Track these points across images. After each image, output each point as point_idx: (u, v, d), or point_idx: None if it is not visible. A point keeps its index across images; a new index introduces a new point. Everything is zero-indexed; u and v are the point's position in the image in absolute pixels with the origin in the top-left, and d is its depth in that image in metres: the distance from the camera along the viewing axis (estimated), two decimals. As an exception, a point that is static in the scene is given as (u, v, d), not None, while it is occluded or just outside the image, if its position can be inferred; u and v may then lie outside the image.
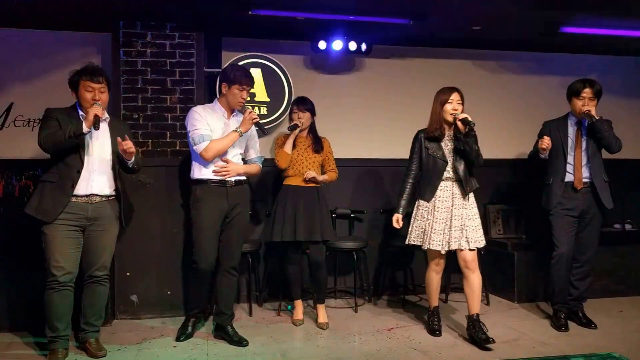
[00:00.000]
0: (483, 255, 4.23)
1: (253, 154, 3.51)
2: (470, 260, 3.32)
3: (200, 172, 3.27)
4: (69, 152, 2.98)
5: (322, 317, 3.67)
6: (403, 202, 3.45)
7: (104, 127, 3.12)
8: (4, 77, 3.95)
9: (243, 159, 3.47)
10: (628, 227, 4.67)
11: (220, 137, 3.24)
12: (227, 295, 3.38)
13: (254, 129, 3.39)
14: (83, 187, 3.01)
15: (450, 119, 3.32)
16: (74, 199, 2.99)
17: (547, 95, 4.77)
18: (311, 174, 3.59)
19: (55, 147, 2.94)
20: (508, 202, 4.70)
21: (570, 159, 3.62)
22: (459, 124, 3.27)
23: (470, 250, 3.32)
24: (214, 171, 3.24)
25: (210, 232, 3.26)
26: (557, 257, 3.61)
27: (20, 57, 3.96)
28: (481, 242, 3.36)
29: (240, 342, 3.29)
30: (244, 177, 3.38)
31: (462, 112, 3.32)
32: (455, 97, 3.33)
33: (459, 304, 4.18)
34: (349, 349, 3.24)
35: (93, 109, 2.94)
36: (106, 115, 3.16)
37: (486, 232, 4.59)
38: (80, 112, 3.07)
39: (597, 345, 3.26)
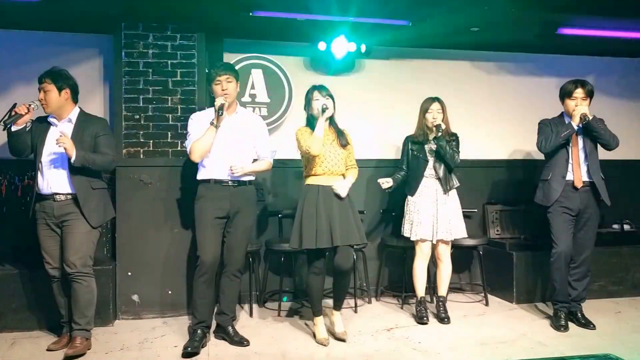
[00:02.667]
0: (482, 254, 4.29)
1: (263, 151, 3.44)
2: (442, 252, 3.80)
3: (202, 173, 3.30)
4: (33, 153, 3.18)
5: (340, 326, 3.42)
6: (393, 177, 3.82)
7: (67, 125, 3.20)
8: (6, 78, 3.96)
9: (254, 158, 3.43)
10: (626, 227, 4.69)
11: (201, 136, 3.20)
12: (229, 297, 3.38)
13: (262, 128, 3.41)
14: (43, 186, 3.16)
15: (430, 125, 3.75)
16: (45, 199, 3.15)
17: (544, 96, 4.77)
18: (339, 189, 3.28)
19: (10, 146, 3.17)
20: (506, 202, 4.71)
21: (569, 158, 3.64)
22: (434, 129, 3.71)
23: (446, 243, 3.77)
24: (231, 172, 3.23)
25: (210, 227, 3.23)
26: (556, 255, 3.63)
27: (23, 58, 3.97)
28: (463, 233, 3.80)
29: (241, 342, 3.30)
30: (249, 178, 3.34)
31: (442, 119, 3.72)
32: (435, 106, 3.75)
33: (456, 304, 4.20)
34: (349, 348, 3.26)
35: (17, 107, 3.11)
36: (71, 116, 3.23)
37: (485, 232, 4.65)
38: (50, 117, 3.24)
39: (596, 346, 3.28)
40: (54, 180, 3.13)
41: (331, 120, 3.43)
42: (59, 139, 3.02)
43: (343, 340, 3.34)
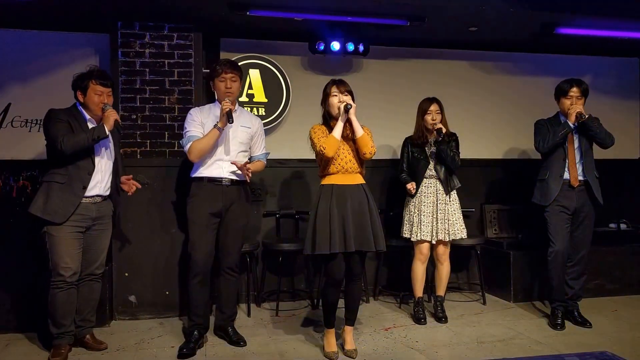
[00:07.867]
0: (479, 254, 4.30)
1: (258, 151, 3.43)
2: (441, 253, 3.80)
3: (197, 171, 3.28)
4: (81, 154, 3.02)
5: (351, 343, 3.16)
6: (407, 177, 3.83)
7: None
8: (1, 77, 3.95)
9: (249, 157, 3.42)
10: (623, 226, 4.71)
11: (202, 137, 3.18)
12: (227, 295, 3.37)
13: (260, 128, 3.39)
14: (92, 188, 3.06)
15: (429, 127, 3.72)
16: (86, 201, 3.04)
17: (542, 96, 4.77)
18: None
19: (78, 149, 2.96)
20: (504, 202, 4.73)
21: (565, 157, 3.65)
22: (434, 132, 3.67)
23: (445, 244, 3.77)
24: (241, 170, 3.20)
25: (204, 225, 3.21)
26: (552, 253, 3.65)
27: (18, 58, 3.97)
28: (463, 233, 3.78)
29: (239, 342, 3.30)
30: (243, 178, 3.30)
31: (441, 120, 3.69)
32: (433, 107, 3.71)
33: (453, 303, 4.21)
34: (347, 348, 3.26)
35: (112, 114, 3.02)
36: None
37: (482, 232, 4.66)
38: (87, 115, 3.10)
39: (592, 344, 3.29)
40: (103, 182, 3.11)
41: None
42: (130, 190, 3.29)
43: (353, 357, 3.08)
